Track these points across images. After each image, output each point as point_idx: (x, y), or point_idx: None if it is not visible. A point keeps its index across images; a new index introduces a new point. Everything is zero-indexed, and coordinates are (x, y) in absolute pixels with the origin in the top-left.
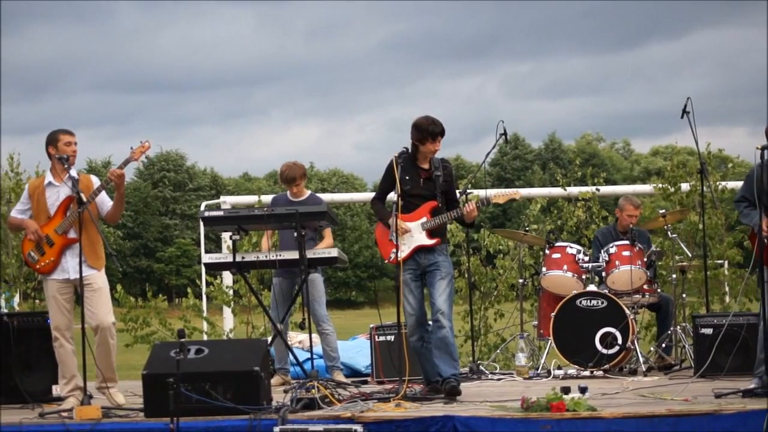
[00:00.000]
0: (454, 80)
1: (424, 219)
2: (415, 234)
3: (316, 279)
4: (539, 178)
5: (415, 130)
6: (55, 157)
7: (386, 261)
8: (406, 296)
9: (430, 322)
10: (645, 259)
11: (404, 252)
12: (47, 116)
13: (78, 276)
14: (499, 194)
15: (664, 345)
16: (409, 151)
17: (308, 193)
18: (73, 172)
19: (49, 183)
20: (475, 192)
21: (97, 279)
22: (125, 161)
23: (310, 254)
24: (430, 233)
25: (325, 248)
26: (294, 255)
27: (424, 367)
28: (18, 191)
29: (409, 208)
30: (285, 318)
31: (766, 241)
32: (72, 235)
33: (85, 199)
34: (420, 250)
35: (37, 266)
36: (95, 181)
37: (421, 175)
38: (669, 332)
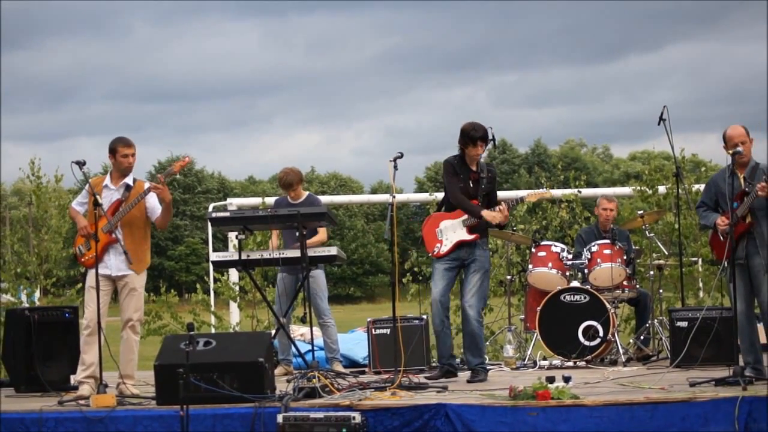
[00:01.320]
0: (445, 90)
1: (465, 216)
2: (457, 230)
3: (319, 275)
4: (525, 181)
5: (461, 135)
6: (73, 168)
7: (430, 254)
8: (436, 282)
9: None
10: (624, 257)
11: (447, 246)
12: (65, 124)
13: (119, 273)
14: (531, 194)
15: (642, 337)
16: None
17: (306, 194)
18: (130, 180)
19: (106, 185)
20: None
21: (134, 279)
22: (167, 173)
23: (311, 252)
24: (470, 229)
25: (318, 243)
26: (296, 253)
27: (440, 348)
28: (39, 193)
29: (455, 207)
30: (288, 312)
31: (723, 236)
32: (117, 234)
33: (101, 201)
34: (462, 244)
35: (83, 259)
36: (147, 187)
37: (471, 177)
38: (647, 325)
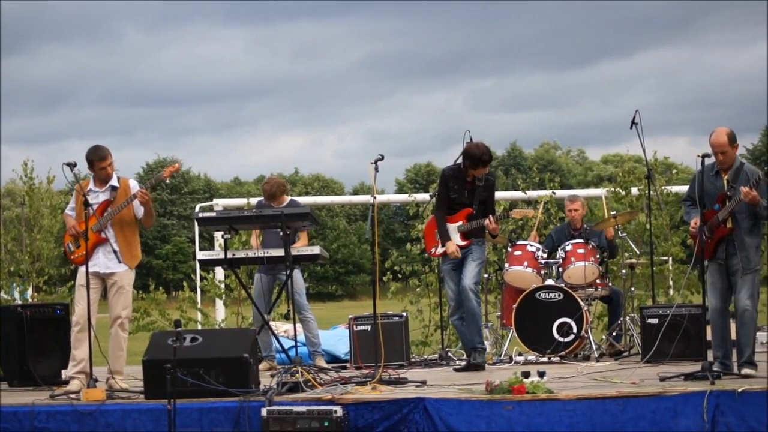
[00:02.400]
0: (424, 95)
1: (459, 223)
2: (452, 234)
3: (296, 274)
4: (502, 182)
5: (467, 157)
6: (64, 169)
7: (427, 253)
8: (448, 283)
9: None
10: (597, 256)
11: (442, 248)
12: (59, 127)
13: (107, 271)
14: (517, 211)
15: (614, 333)
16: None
17: (288, 200)
18: (114, 181)
19: (90, 189)
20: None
21: (123, 277)
22: (156, 179)
23: (294, 251)
24: (464, 235)
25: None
26: (279, 252)
27: (463, 340)
28: (31, 194)
29: (452, 213)
30: (271, 310)
31: (693, 237)
32: (108, 233)
33: (90, 201)
34: None
35: (72, 257)
36: (133, 186)
37: (466, 187)
38: (619, 322)
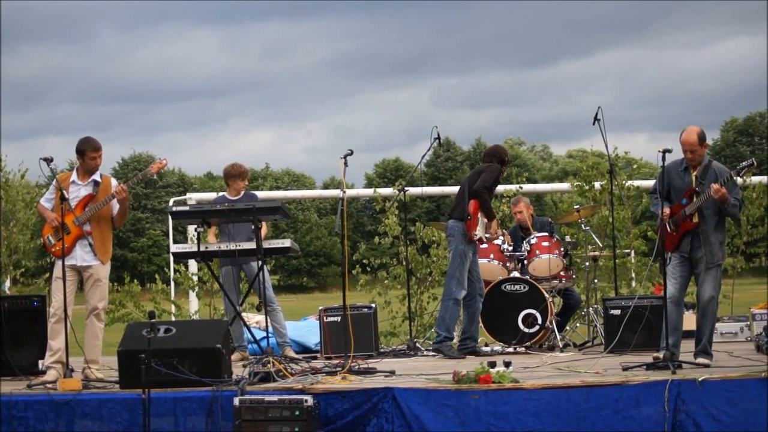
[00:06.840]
0: (390, 92)
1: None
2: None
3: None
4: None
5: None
6: (41, 164)
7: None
8: (467, 265)
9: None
10: (562, 249)
11: (477, 235)
12: (36, 123)
13: (83, 264)
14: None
15: (559, 318)
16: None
17: (243, 192)
18: (97, 176)
19: (73, 181)
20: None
21: (99, 270)
22: (143, 173)
23: (265, 245)
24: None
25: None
26: (250, 245)
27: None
28: (6, 188)
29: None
30: (243, 302)
31: (668, 228)
32: (86, 228)
33: (67, 195)
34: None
35: (52, 249)
36: (114, 183)
37: None
38: (567, 328)
